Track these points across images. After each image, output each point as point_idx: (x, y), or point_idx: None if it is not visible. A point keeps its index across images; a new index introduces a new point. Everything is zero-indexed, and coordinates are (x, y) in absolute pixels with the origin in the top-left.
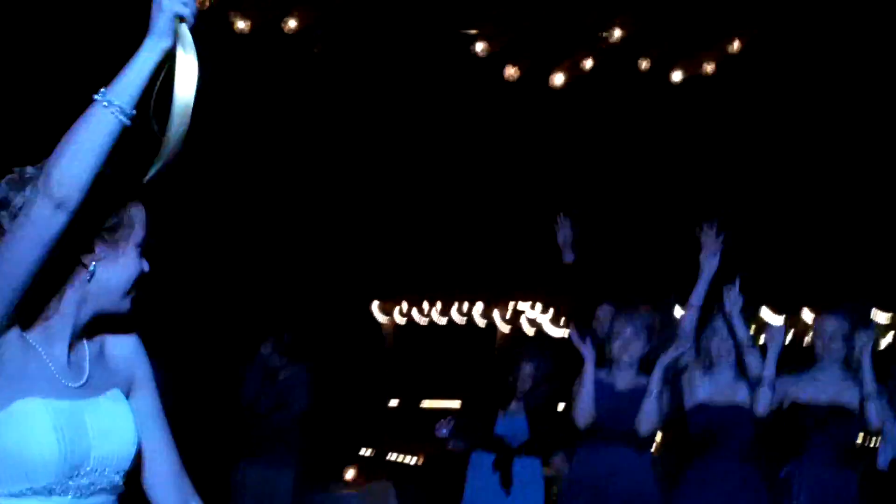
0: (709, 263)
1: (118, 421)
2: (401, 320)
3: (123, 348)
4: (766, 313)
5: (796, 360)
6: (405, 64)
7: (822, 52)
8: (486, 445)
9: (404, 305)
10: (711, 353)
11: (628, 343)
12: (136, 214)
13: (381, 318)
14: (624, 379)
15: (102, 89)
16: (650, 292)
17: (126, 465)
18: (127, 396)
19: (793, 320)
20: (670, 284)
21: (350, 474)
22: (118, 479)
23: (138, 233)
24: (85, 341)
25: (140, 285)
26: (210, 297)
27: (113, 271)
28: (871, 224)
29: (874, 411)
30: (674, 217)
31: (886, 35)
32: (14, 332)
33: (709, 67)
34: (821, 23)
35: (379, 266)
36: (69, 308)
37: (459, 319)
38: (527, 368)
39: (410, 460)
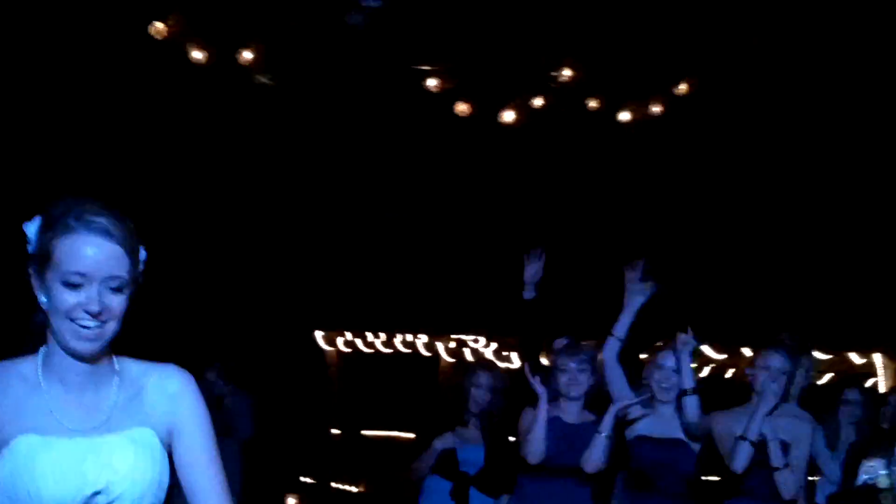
0: (631, 302)
1: (135, 461)
2: (345, 349)
3: (164, 389)
4: (708, 350)
5: (732, 395)
6: (358, 98)
7: (766, 95)
8: (442, 471)
9: (348, 335)
10: (653, 388)
11: (574, 378)
12: (63, 248)
13: (326, 347)
14: (572, 413)
15: None
16: (599, 328)
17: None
18: (169, 437)
19: (733, 358)
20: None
21: (291, 502)
22: None
23: (61, 265)
24: (118, 379)
25: (83, 322)
26: (153, 323)
27: (51, 306)
28: (813, 263)
29: (786, 483)
30: (619, 254)
31: (829, 77)
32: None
33: (656, 108)
34: (767, 65)
35: (323, 296)
36: (55, 342)
37: (403, 349)
38: (479, 388)
39: (353, 489)
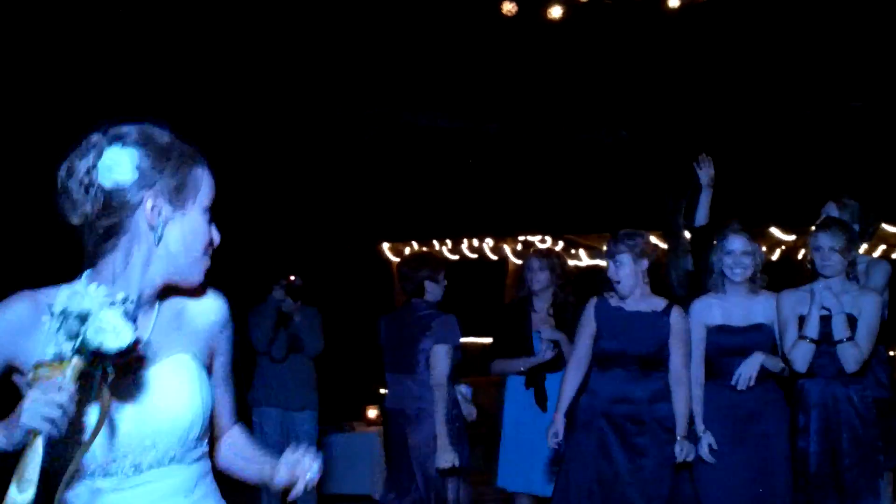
0: (706, 191)
1: (174, 390)
2: None
3: (206, 315)
4: (777, 232)
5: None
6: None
7: None
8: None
9: (414, 245)
10: (726, 275)
11: (617, 269)
12: (202, 176)
13: (393, 259)
14: (631, 302)
15: None
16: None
17: (180, 433)
18: (210, 358)
19: (803, 238)
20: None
21: (372, 413)
22: (178, 449)
23: (204, 194)
24: (157, 305)
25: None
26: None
27: (181, 234)
28: (875, 139)
29: (848, 355)
30: (675, 144)
31: None
32: None
33: None
34: None
35: (387, 207)
36: (134, 272)
37: (470, 255)
38: (531, 270)
39: None
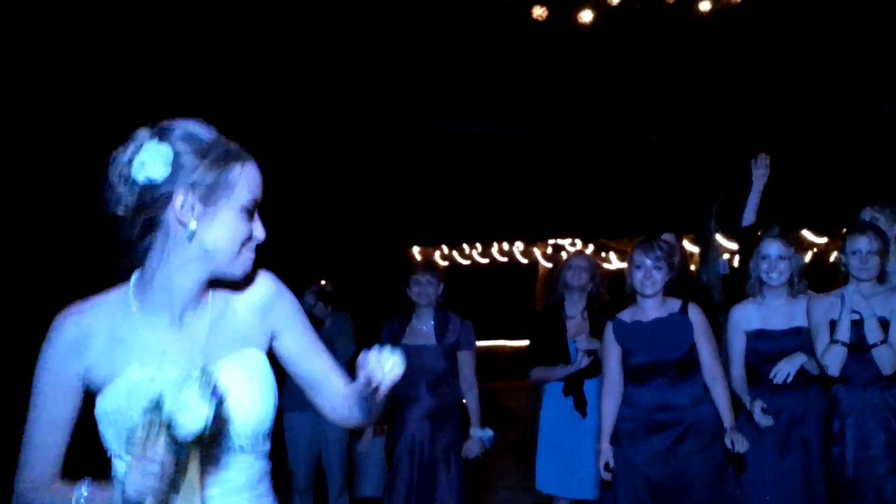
0: (756, 187)
1: (243, 387)
2: (442, 263)
3: (252, 300)
4: (808, 235)
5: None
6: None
7: None
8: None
9: (444, 249)
10: (763, 280)
11: (649, 274)
12: (241, 175)
13: None
14: (650, 310)
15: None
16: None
17: (252, 428)
18: (272, 342)
19: (835, 241)
20: None
21: None
22: (246, 441)
23: (240, 195)
24: (210, 302)
25: (251, 249)
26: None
27: (215, 232)
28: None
29: (884, 358)
30: (708, 147)
31: None
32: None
33: None
34: None
35: (417, 212)
36: (171, 269)
37: (500, 258)
38: (570, 268)
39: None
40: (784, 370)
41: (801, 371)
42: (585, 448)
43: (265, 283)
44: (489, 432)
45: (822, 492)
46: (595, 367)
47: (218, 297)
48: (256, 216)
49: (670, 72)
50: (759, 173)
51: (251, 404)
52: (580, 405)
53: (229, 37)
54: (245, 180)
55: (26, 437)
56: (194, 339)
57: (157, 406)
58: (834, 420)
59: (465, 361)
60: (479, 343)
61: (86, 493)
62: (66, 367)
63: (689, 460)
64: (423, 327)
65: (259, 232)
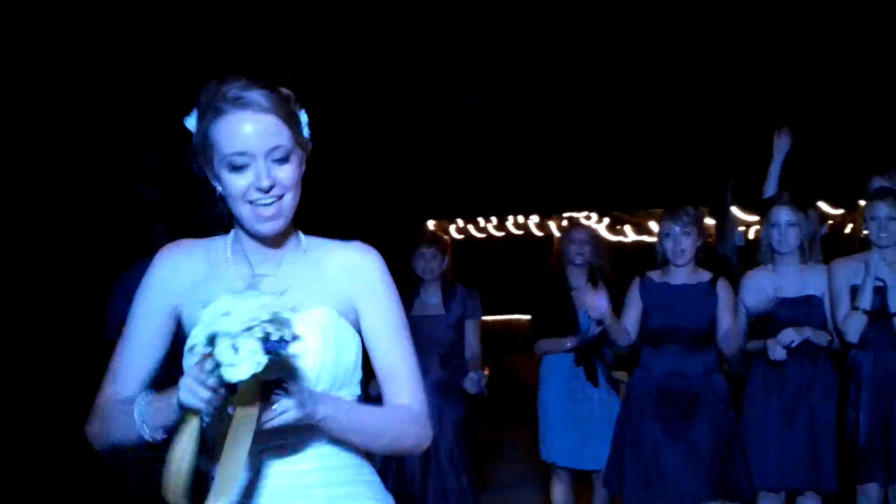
0: (777, 158)
1: (314, 343)
2: (458, 236)
3: (344, 266)
4: (824, 206)
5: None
6: None
7: None
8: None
9: (460, 222)
10: (773, 247)
11: (679, 241)
12: (219, 130)
13: None
14: (680, 276)
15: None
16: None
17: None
18: (355, 314)
19: (850, 213)
20: None
21: None
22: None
23: (222, 150)
24: (303, 258)
25: (260, 201)
26: None
27: (225, 192)
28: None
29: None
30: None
31: None
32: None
33: None
34: None
35: (432, 185)
36: (237, 225)
37: (516, 232)
38: (573, 243)
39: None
40: (789, 335)
41: (809, 342)
42: (596, 420)
43: (360, 250)
44: (482, 374)
45: (828, 461)
46: (604, 337)
47: (314, 250)
48: (257, 166)
49: (689, 43)
50: (781, 144)
51: (305, 359)
52: (592, 375)
53: (249, 6)
54: (224, 133)
55: (114, 359)
56: (280, 286)
57: (210, 342)
58: (851, 385)
59: (470, 329)
60: (496, 317)
61: (147, 397)
62: (161, 295)
63: (698, 431)
64: (432, 300)
65: (259, 180)
